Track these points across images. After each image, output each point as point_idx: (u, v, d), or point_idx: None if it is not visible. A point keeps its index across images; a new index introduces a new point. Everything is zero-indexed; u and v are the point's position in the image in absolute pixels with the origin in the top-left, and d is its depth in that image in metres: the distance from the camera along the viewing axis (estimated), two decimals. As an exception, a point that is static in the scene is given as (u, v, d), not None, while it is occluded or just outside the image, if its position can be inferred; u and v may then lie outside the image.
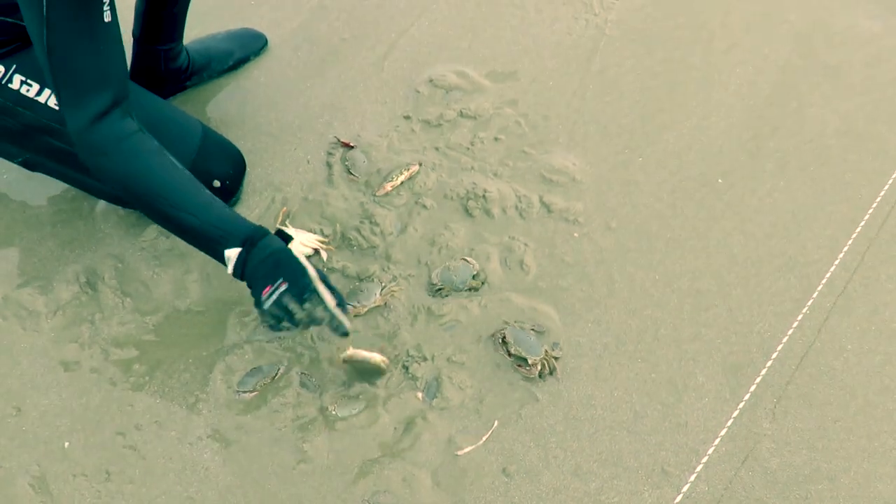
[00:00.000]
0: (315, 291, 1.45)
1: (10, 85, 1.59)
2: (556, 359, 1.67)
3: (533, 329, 1.71)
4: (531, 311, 1.75)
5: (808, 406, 1.65)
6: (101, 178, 1.53)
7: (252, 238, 1.47)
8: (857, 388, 1.68)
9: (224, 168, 1.83)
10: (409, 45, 2.30)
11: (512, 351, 1.66)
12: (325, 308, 1.45)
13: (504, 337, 1.68)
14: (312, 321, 1.46)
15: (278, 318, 1.46)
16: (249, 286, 1.49)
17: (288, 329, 1.48)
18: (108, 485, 1.52)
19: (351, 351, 1.59)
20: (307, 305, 1.44)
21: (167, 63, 2.01)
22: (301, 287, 1.44)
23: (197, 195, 1.49)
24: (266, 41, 2.27)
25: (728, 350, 1.72)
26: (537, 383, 1.65)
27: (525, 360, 1.65)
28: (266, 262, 1.46)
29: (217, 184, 1.80)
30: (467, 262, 1.80)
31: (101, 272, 1.78)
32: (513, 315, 1.75)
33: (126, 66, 1.49)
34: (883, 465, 1.58)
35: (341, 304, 1.49)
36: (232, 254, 1.46)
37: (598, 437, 1.60)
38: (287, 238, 1.62)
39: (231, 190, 1.87)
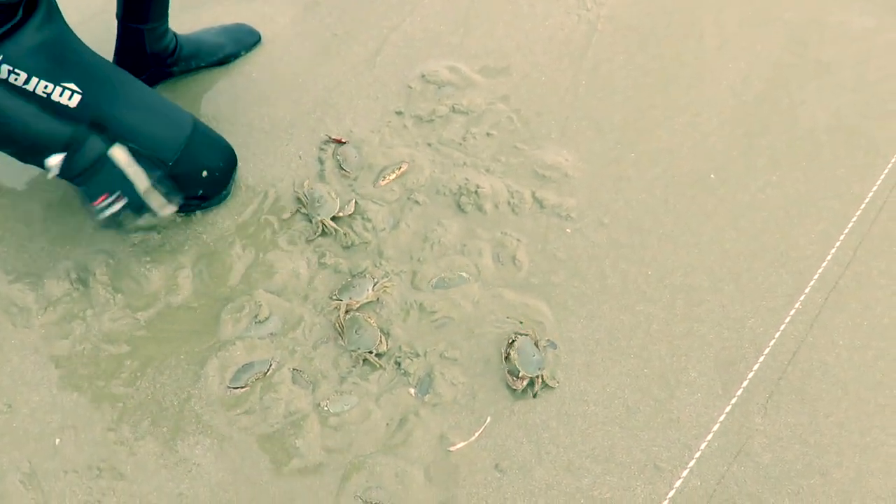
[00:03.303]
0: (149, 210, 1.66)
1: None
2: (547, 383, 1.65)
3: (546, 345, 1.69)
4: (523, 307, 1.75)
5: (800, 401, 1.65)
6: None
7: (73, 142, 1.54)
8: (849, 383, 1.69)
9: (213, 160, 1.82)
10: (402, 41, 2.30)
11: (511, 358, 1.66)
12: (154, 213, 1.68)
13: (513, 341, 1.68)
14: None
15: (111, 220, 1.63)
16: (76, 184, 1.60)
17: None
18: (98, 481, 1.52)
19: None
20: (142, 216, 1.68)
21: (151, 44, 1.99)
22: (136, 206, 1.63)
23: (19, 110, 1.51)
24: (259, 38, 2.26)
25: (720, 345, 1.72)
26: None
27: (517, 371, 1.64)
28: (92, 171, 1.58)
29: (205, 174, 1.78)
30: (463, 276, 1.80)
31: (93, 268, 1.78)
32: (505, 311, 1.75)
33: None
34: (874, 460, 1.59)
35: (170, 194, 1.68)
36: (54, 161, 1.54)
37: (591, 432, 1.60)
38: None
39: (221, 182, 1.86)
